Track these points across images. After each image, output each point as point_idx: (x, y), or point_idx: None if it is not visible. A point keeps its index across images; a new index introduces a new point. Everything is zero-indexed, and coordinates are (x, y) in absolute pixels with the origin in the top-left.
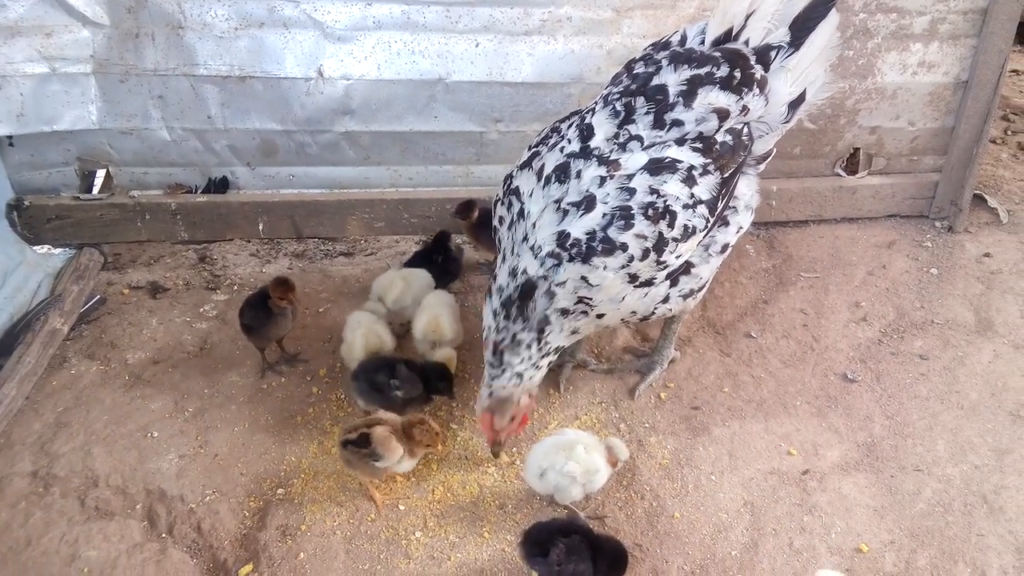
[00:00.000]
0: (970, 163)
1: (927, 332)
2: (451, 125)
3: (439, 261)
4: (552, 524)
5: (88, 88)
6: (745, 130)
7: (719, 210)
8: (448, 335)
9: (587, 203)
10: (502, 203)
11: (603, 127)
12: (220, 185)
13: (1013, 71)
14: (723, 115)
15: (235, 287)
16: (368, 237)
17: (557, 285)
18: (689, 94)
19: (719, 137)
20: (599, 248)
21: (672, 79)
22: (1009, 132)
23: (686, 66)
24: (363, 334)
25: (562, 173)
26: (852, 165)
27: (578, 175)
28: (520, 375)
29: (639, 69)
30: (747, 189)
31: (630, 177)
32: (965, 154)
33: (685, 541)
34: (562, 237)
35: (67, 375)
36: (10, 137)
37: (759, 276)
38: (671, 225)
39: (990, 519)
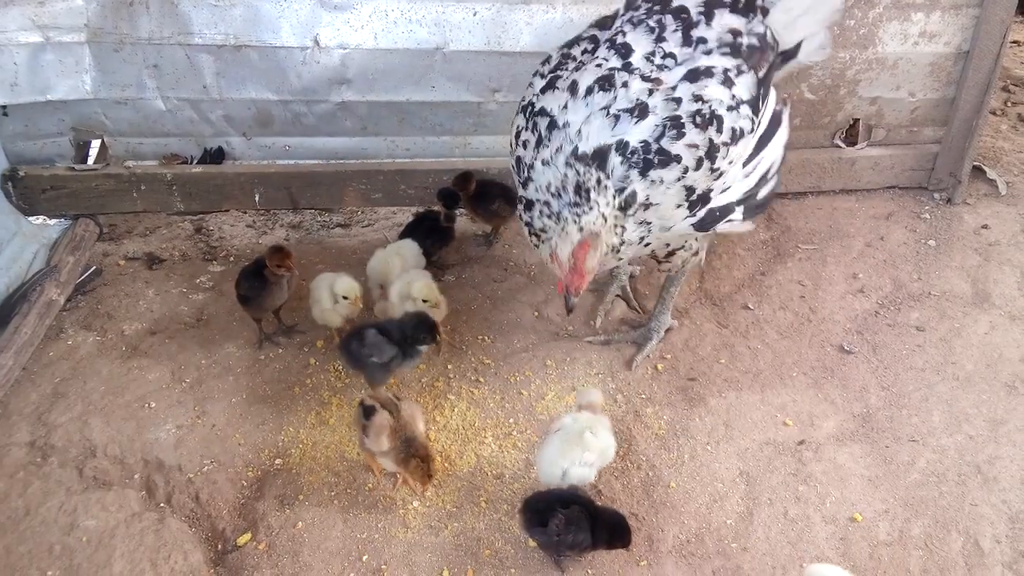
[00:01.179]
0: (970, 134)
1: (924, 304)
2: (449, 95)
3: (444, 216)
4: (552, 494)
5: (82, 57)
6: (767, 33)
7: (761, 112)
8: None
9: (640, 110)
10: (526, 130)
11: (641, 43)
12: (216, 155)
13: (1014, 42)
14: (737, 34)
15: (231, 258)
16: (365, 208)
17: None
18: (708, 15)
19: (744, 40)
20: (655, 160)
21: (690, 2)
22: (1009, 103)
23: None
24: (336, 285)
25: (606, 83)
26: (851, 136)
27: (625, 85)
28: (604, 217)
29: None
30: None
31: (673, 88)
32: (965, 125)
33: (681, 511)
34: (620, 145)
35: (64, 346)
36: (4, 107)
37: (757, 248)
38: (719, 130)
39: (984, 489)
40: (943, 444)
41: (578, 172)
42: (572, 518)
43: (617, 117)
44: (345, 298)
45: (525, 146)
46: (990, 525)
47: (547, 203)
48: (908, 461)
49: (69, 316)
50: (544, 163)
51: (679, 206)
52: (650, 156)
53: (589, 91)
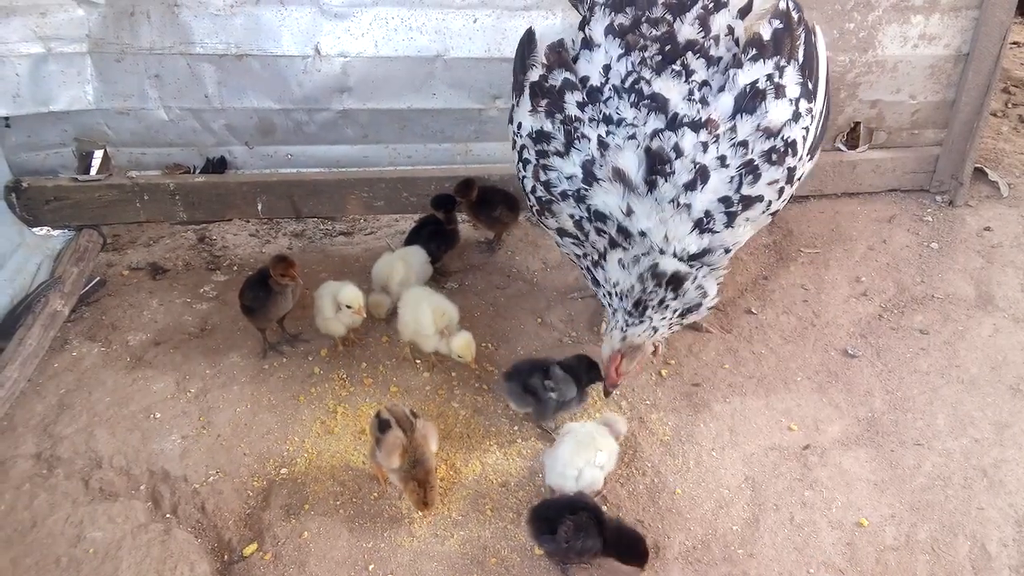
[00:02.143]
0: (971, 136)
1: (927, 307)
2: (450, 102)
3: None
4: (559, 501)
5: (84, 68)
6: (788, 4)
7: (811, 87)
8: (455, 317)
9: (700, 175)
10: (589, 221)
11: (674, 90)
12: (218, 165)
13: (1014, 43)
14: (730, 30)
15: (235, 267)
16: (367, 216)
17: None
18: (708, 30)
19: (764, 33)
20: (739, 208)
21: (689, 31)
22: (1010, 105)
23: (686, 12)
24: (340, 294)
25: (659, 162)
26: (852, 139)
27: (677, 150)
28: (655, 329)
29: (654, 32)
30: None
31: (734, 129)
32: (966, 127)
33: (687, 517)
34: (700, 224)
35: (69, 357)
36: (7, 118)
37: (759, 252)
38: (794, 153)
39: (990, 492)
40: (949, 448)
41: (644, 289)
42: (581, 524)
43: (689, 206)
44: (349, 307)
45: (600, 233)
46: (997, 529)
47: (609, 293)
48: (914, 465)
49: (73, 327)
50: (621, 264)
51: (765, 212)
52: (733, 208)
53: (651, 186)
